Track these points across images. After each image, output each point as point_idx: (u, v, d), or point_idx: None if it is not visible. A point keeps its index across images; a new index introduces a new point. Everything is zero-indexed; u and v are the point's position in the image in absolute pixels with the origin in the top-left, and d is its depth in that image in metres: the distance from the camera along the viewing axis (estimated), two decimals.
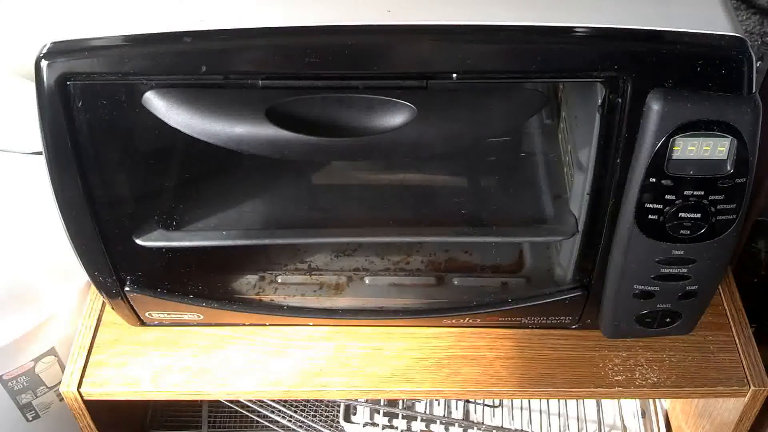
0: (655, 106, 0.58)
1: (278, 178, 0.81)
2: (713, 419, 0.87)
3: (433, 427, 1.01)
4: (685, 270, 0.68)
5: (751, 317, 0.82)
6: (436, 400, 1.03)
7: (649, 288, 0.70)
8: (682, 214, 0.63)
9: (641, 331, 0.75)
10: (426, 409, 1.02)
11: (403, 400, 1.02)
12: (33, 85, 0.59)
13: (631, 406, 1.04)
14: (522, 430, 1.00)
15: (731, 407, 0.81)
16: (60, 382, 0.78)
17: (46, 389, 0.88)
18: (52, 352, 0.86)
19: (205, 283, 0.77)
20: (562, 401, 1.02)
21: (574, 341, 0.79)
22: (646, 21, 0.58)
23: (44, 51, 0.58)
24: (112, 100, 0.62)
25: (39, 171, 0.65)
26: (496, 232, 0.75)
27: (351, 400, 1.01)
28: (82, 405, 0.77)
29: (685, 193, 0.62)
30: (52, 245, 0.83)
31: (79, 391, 0.76)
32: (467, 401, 1.02)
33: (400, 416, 1.01)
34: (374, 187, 0.82)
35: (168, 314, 0.78)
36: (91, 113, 0.61)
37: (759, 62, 0.59)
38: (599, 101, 0.61)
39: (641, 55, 0.57)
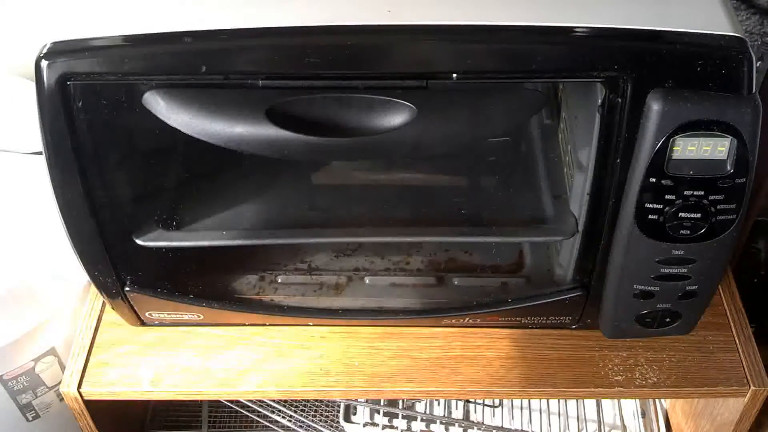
0: (655, 106, 0.58)
1: (278, 178, 0.81)
2: (713, 419, 0.87)
3: (433, 427, 1.01)
4: (685, 270, 0.68)
5: (751, 317, 0.82)
6: (436, 400, 1.03)
7: (649, 288, 0.70)
8: (682, 214, 0.63)
9: (641, 331, 0.75)
10: (426, 409, 1.02)
11: (403, 400, 1.02)
12: (33, 85, 0.59)
13: (631, 406, 1.04)
14: (522, 430, 1.00)
15: (731, 407, 0.81)
16: (60, 382, 0.78)
17: (46, 389, 0.88)
18: (52, 352, 0.86)
19: (205, 283, 0.77)
20: (562, 401, 1.02)
21: (574, 341, 0.79)
22: (646, 21, 0.58)
23: (44, 51, 0.58)
24: (112, 100, 0.62)
25: (39, 171, 0.65)
26: (496, 232, 0.76)
27: (351, 400, 1.01)
28: (82, 405, 0.77)
29: (685, 193, 0.62)
30: (52, 245, 0.83)
31: (79, 391, 0.76)
32: (467, 401, 1.02)
33: (400, 416, 1.01)
34: (374, 187, 0.82)
35: (168, 314, 0.78)
36: (91, 113, 0.61)
37: (759, 62, 0.59)
38: (599, 101, 0.61)
39: (641, 55, 0.57)
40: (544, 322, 0.78)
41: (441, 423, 1.01)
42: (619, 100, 0.59)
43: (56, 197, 0.65)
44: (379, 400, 1.01)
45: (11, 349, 0.82)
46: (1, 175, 0.93)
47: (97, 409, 0.78)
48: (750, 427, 0.81)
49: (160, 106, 0.59)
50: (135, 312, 0.77)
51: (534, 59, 0.58)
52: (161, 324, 0.80)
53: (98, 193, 0.65)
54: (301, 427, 1.01)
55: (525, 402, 1.02)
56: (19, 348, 0.83)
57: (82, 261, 0.71)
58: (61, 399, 0.79)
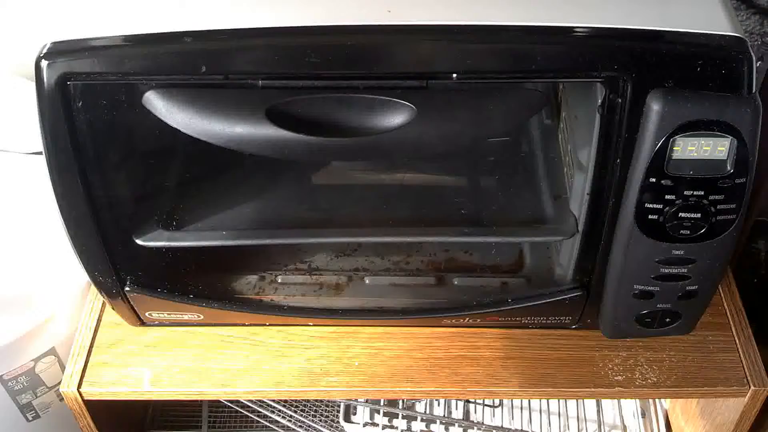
0: (655, 106, 0.58)
1: (278, 178, 0.81)
2: (713, 419, 0.87)
3: (433, 427, 1.01)
4: (685, 270, 0.68)
5: (751, 317, 0.82)
6: (436, 400, 1.03)
7: (649, 288, 0.70)
8: (682, 214, 0.63)
9: (641, 331, 0.75)
10: (426, 409, 1.02)
11: (403, 400, 1.02)
12: (33, 85, 0.59)
13: (631, 406, 1.04)
14: (522, 430, 1.00)
15: (731, 407, 0.81)
16: (60, 382, 0.78)
17: (46, 389, 0.88)
18: (52, 352, 0.86)
19: (205, 283, 0.77)
20: (562, 401, 1.02)
21: (574, 341, 0.79)
22: (646, 21, 0.58)
23: (44, 51, 0.58)
24: (112, 100, 0.62)
25: (39, 171, 0.65)
26: (496, 232, 0.75)
27: (351, 400, 1.01)
28: (82, 405, 0.77)
29: (685, 193, 0.62)
30: (51, 245, 0.83)
31: (79, 391, 0.76)
32: (467, 401, 1.02)
33: (400, 416, 1.01)
34: (374, 187, 0.82)
35: (168, 314, 0.78)
36: (91, 113, 0.61)
37: (759, 62, 0.59)
38: (599, 101, 0.61)
39: (641, 55, 0.57)
40: (544, 322, 0.78)
41: (441, 423, 1.01)
42: (619, 100, 0.59)
43: (56, 197, 0.65)
44: (379, 400, 1.01)
45: (11, 349, 0.82)
46: (1, 175, 0.93)
47: (97, 409, 0.78)
48: (750, 427, 0.82)
49: (160, 106, 0.59)
50: (135, 312, 0.77)
51: (534, 59, 0.58)
52: (161, 324, 0.80)
53: (98, 193, 0.65)
54: (301, 427, 1.01)
55: (525, 402, 1.02)
56: (19, 348, 0.83)
57: (82, 261, 0.71)
58: (61, 399, 0.79)
